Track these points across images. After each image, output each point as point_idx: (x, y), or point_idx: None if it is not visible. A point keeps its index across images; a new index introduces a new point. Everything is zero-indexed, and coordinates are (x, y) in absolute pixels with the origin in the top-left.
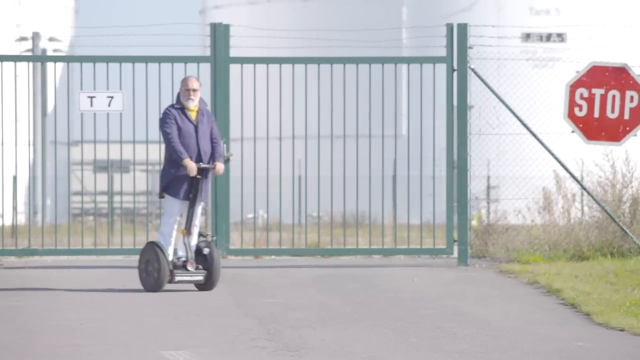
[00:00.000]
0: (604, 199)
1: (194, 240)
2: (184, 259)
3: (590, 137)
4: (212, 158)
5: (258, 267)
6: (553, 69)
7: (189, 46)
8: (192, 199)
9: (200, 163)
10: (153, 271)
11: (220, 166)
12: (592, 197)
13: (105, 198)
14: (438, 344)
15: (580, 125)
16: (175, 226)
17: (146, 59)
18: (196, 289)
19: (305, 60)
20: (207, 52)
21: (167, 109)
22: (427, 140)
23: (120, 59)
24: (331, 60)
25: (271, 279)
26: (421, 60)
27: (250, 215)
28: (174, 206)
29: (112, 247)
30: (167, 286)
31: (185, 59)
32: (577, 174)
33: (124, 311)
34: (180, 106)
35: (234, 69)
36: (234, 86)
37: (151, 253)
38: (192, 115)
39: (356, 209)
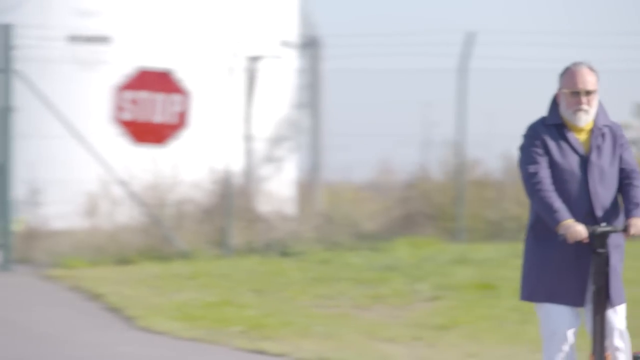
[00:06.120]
0: (150, 203)
1: None
2: None
3: (137, 140)
4: (625, 212)
5: None
6: (100, 72)
7: None
8: (594, 297)
9: (603, 224)
10: None
11: (637, 224)
12: (135, 201)
13: None
14: None
15: (127, 129)
16: (570, 352)
17: None
18: None
19: None
20: None
21: (531, 126)
22: None
23: None
24: None
25: None
26: None
27: None
28: (552, 316)
29: None
30: None
31: None
32: (126, 178)
33: None
34: (557, 121)
35: None
36: None
37: None
38: (581, 137)
39: None
